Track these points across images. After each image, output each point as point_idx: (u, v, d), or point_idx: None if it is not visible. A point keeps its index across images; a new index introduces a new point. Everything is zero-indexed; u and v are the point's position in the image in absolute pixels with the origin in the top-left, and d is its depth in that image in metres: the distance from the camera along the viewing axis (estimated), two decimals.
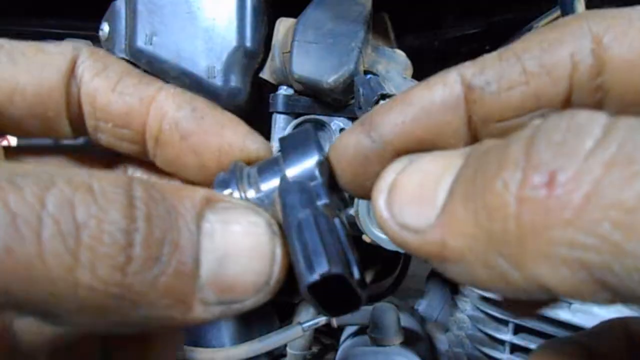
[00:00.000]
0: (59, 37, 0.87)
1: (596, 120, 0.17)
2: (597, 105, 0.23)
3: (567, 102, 0.23)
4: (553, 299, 0.19)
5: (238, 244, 0.23)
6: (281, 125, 0.83)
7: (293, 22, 0.82)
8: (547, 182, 0.17)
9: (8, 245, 0.18)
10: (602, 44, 0.22)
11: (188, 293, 0.21)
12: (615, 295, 0.17)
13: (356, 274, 0.22)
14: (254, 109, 0.86)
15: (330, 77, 0.77)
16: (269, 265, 0.23)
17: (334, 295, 0.22)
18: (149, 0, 0.82)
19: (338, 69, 0.77)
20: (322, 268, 0.20)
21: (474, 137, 0.25)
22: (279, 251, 0.24)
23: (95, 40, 0.87)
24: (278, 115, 0.84)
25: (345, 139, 0.26)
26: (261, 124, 0.88)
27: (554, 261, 0.17)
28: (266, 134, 0.85)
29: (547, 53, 0.23)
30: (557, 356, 0.28)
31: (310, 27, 0.79)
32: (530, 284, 0.18)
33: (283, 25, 0.84)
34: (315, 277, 0.20)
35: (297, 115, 0.83)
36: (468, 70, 0.24)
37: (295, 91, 0.83)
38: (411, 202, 0.22)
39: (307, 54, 0.78)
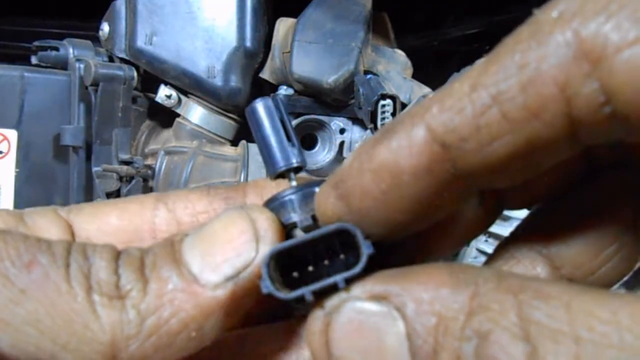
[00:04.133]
0: (59, 37, 0.86)
1: None
2: (617, 136, 0.18)
3: (573, 141, 0.18)
4: None
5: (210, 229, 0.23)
6: None
7: (293, 22, 0.82)
8: None
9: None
10: (602, 60, 0.16)
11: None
12: None
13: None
14: None
15: (330, 77, 0.77)
16: (249, 222, 0.22)
17: None
18: (149, 0, 0.82)
19: (338, 69, 0.77)
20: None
21: (470, 193, 0.20)
22: (262, 222, 0.23)
23: (95, 40, 0.87)
24: None
25: (322, 204, 0.22)
26: None
27: None
28: None
29: (528, 90, 0.17)
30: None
31: (310, 27, 0.79)
32: None
33: (283, 25, 0.84)
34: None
35: (297, 115, 0.83)
36: (437, 120, 0.19)
37: (295, 91, 0.83)
38: None
39: (307, 54, 0.78)
